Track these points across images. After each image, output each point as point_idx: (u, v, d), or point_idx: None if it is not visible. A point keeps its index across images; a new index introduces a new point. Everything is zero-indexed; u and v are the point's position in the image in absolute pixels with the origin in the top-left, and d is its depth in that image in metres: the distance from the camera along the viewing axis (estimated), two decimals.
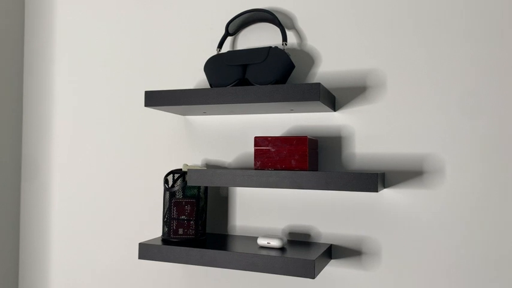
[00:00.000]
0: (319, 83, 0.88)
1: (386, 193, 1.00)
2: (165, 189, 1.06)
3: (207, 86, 1.18)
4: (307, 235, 1.06)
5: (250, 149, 1.12)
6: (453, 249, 0.94)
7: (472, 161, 0.94)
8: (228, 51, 1.05)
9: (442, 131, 0.96)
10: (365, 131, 1.02)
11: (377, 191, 0.84)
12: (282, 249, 0.95)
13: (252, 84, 1.03)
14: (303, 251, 0.94)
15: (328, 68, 1.06)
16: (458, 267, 0.94)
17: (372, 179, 0.84)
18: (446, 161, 0.95)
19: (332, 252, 1.03)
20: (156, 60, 1.24)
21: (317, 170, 1.02)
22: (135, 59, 1.26)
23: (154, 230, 1.22)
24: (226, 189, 1.14)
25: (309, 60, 1.08)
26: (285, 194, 1.08)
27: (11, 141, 1.37)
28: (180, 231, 1.04)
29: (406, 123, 0.99)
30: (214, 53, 1.17)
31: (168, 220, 1.05)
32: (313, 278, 0.85)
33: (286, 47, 1.09)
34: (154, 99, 1.02)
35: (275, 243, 0.96)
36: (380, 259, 0.99)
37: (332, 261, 1.03)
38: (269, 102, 0.92)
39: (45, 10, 1.40)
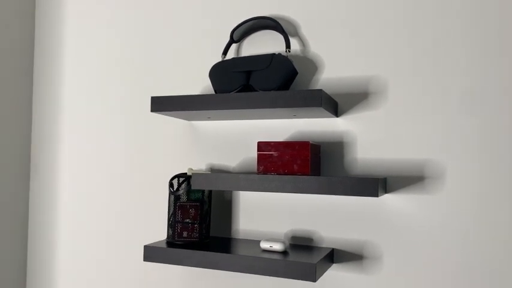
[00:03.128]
0: (321, 90, 0.90)
1: (388, 198, 1.01)
2: (170, 193, 1.08)
3: (212, 92, 1.20)
4: (310, 239, 1.07)
5: (254, 153, 1.14)
6: (454, 254, 0.95)
7: (473, 166, 0.95)
8: (233, 58, 1.08)
9: (443, 137, 0.97)
10: (367, 137, 1.03)
11: (377, 196, 0.85)
12: (284, 252, 0.97)
13: (256, 91, 1.05)
14: (304, 254, 0.95)
15: (331, 74, 1.08)
16: (459, 272, 0.94)
17: (372, 184, 0.86)
18: (447, 167, 0.96)
19: (334, 256, 1.04)
20: (163, 66, 1.26)
21: (319, 175, 1.04)
22: (142, 65, 1.29)
23: (159, 233, 1.24)
24: (230, 193, 1.16)
25: (312, 66, 1.09)
26: (287, 198, 1.10)
27: (20, 146, 1.41)
28: (185, 234, 1.05)
29: (407, 129, 1.00)
30: (219, 59, 1.20)
31: (172, 223, 1.06)
32: (315, 281, 0.86)
33: (289, 53, 1.11)
34: (160, 104, 1.04)
35: (277, 246, 0.97)
36: (381, 263, 1.00)
37: (334, 265, 1.04)
38: (272, 108, 0.93)
39: (55, 18, 1.43)
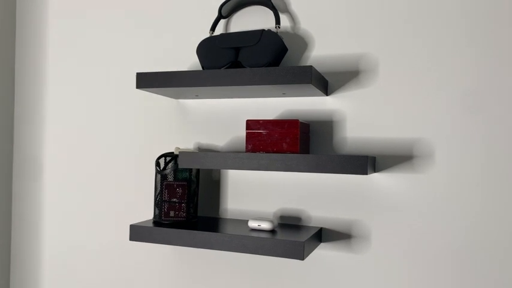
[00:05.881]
0: (311, 66, 0.88)
1: (376, 177, 1.00)
2: (157, 172, 1.06)
3: (200, 68, 1.17)
4: (298, 218, 1.07)
5: (242, 132, 1.12)
6: (441, 232, 0.95)
7: (462, 145, 0.94)
8: (221, 34, 1.05)
9: (433, 116, 0.96)
10: (357, 116, 1.02)
11: (367, 174, 0.84)
12: (272, 231, 0.96)
13: (245, 67, 1.03)
14: (293, 233, 0.94)
15: (321, 52, 1.06)
16: (446, 251, 0.95)
17: (361, 162, 0.85)
18: (436, 146, 0.96)
19: (322, 235, 1.04)
20: (149, 42, 1.23)
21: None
22: (127, 41, 1.25)
23: (146, 213, 1.22)
24: (218, 172, 1.14)
25: (302, 43, 1.07)
26: (276, 177, 1.09)
27: (3, 124, 1.36)
28: (172, 213, 1.04)
29: (397, 108, 0.99)
30: (207, 35, 1.16)
31: (159, 202, 1.05)
32: (302, 259, 0.86)
33: (279, 30, 1.08)
34: (146, 80, 1.01)
35: (265, 225, 0.96)
36: (369, 242, 1.00)
37: (322, 244, 1.04)
38: (261, 84, 0.91)
39: None
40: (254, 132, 0.98)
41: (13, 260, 1.39)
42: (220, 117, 1.14)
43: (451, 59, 0.96)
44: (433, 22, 0.97)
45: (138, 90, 1.23)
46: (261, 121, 0.97)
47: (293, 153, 0.94)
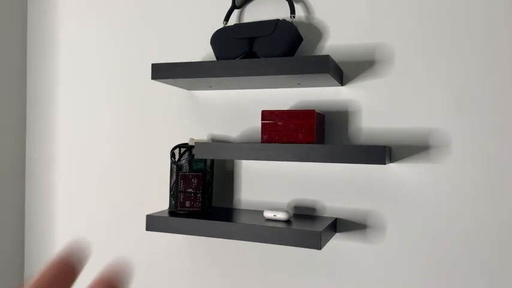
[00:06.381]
0: (328, 55, 0.87)
1: (392, 167, 1.00)
2: (172, 163, 1.06)
3: (214, 59, 1.17)
4: (313, 209, 1.07)
5: (257, 124, 1.12)
6: (458, 224, 0.95)
7: (478, 135, 0.94)
8: (235, 24, 1.04)
9: (449, 106, 0.96)
10: (372, 106, 1.02)
11: (385, 164, 0.84)
12: (288, 221, 0.96)
13: (259, 57, 1.02)
14: (309, 223, 0.95)
15: (336, 41, 1.05)
16: (462, 242, 0.95)
17: (379, 152, 0.85)
18: (453, 136, 0.96)
19: (337, 225, 1.04)
20: (162, 33, 1.22)
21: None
22: (141, 32, 1.25)
23: (161, 203, 1.23)
24: (232, 163, 1.15)
25: (317, 33, 1.06)
26: (290, 168, 1.09)
27: (16, 113, 1.37)
28: (187, 203, 1.05)
29: (413, 98, 0.99)
30: (221, 26, 1.16)
31: (175, 193, 1.05)
32: (320, 249, 0.86)
33: (294, 19, 1.08)
34: (161, 71, 1.01)
35: (281, 215, 0.97)
36: (385, 233, 1.01)
37: (337, 234, 1.05)
38: (277, 74, 0.91)
39: None
40: (269, 123, 0.98)
41: (27, 253, 1.41)
42: (234, 108, 1.14)
43: (468, 48, 0.94)
44: (450, 11, 0.96)
45: (150, 82, 1.23)
46: (276, 112, 0.97)
47: (309, 143, 0.94)
